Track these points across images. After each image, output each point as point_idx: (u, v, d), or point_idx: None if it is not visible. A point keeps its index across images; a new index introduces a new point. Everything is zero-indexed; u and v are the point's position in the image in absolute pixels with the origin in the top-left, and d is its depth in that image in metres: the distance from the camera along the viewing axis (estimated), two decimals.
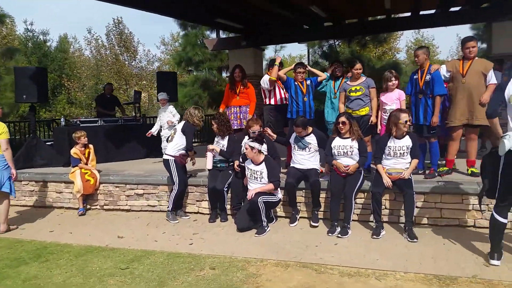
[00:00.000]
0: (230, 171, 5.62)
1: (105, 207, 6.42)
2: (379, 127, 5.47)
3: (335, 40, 14.80)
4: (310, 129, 5.26)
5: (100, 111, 9.25)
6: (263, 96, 6.69)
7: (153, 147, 8.42)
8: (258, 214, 4.87)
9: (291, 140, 5.34)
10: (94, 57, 26.02)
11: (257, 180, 5.01)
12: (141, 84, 25.21)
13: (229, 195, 5.64)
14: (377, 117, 5.54)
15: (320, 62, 14.31)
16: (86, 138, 6.51)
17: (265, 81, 6.44)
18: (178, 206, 5.79)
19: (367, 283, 3.51)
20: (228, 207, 5.63)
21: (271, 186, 4.91)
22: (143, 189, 6.21)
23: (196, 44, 15.07)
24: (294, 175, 5.14)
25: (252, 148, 4.94)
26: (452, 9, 10.57)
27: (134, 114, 9.52)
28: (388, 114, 5.05)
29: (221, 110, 6.89)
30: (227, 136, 5.79)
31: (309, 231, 4.91)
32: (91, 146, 6.68)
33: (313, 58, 15.03)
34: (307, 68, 6.24)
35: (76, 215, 6.24)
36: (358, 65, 5.54)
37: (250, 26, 11.43)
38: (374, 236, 4.57)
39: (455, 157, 5.49)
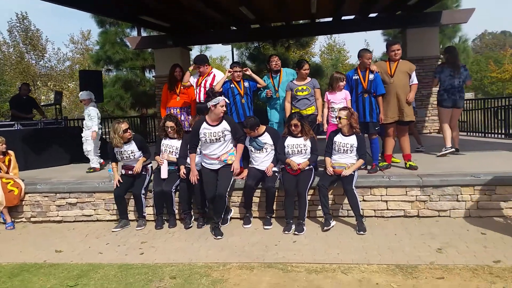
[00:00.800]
0: (178, 174, 5.36)
1: (32, 219, 5.76)
2: (325, 125, 5.61)
3: (259, 42, 14.98)
4: (262, 128, 5.21)
5: (15, 114, 8.28)
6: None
7: (77, 152, 7.74)
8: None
9: (246, 142, 5.24)
10: None
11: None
12: (50, 85, 23.21)
13: (176, 199, 5.38)
14: (322, 116, 5.68)
15: (247, 64, 14.37)
16: (4, 145, 5.77)
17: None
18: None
19: (335, 278, 3.54)
20: (175, 212, 5.35)
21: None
22: (77, 198, 5.67)
23: (116, 42, 14.25)
24: (255, 176, 5.02)
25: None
26: (371, 15, 11.33)
27: (55, 116, 8.69)
28: (336, 113, 5.22)
29: (162, 112, 6.56)
30: (181, 138, 5.50)
31: (264, 231, 4.85)
32: (11, 152, 5.95)
33: (240, 59, 15.06)
34: (246, 72, 6.14)
35: None
36: (306, 66, 5.66)
37: (177, 25, 11.10)
38: (325, 228, 4.68)
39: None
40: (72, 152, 8.01)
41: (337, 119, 4.99)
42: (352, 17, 11.60)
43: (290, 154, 5.00)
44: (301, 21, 13.13)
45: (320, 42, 44.42)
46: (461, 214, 4.86)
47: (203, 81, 6.21)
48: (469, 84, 6.85)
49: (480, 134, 10.13)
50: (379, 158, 5.77)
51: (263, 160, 5.13)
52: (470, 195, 4.84)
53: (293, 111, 5.54)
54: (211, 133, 4.90)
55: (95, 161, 7.07)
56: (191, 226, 5.13)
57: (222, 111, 4.87)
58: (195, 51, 16.08)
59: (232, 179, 5.04)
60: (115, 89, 14.10)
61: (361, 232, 4.51)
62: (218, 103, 4.84)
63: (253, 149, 5.18)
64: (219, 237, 4.67)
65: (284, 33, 12.81)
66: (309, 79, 5.73)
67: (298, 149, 4.96)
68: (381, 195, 5.03)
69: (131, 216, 5.52)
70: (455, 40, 16.45)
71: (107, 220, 5.61)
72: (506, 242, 4.06)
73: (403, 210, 4.98)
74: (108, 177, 5.71)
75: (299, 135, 5.01)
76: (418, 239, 4.29)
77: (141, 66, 14.61)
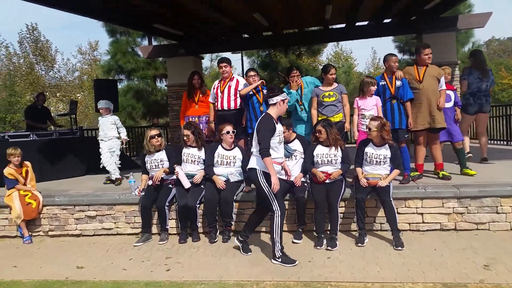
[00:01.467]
0: (202, 186, 5.18)
1: (50, 233, 5.57)
2: (356, 133, 5.41)
3: (271, 50, 14.86)
4: (293, 134, 5.02)
5: (30, 124, 8.15)
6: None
7: (92, 163, 7.58)
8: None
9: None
10: (6, 67, 23.31)
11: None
12: (59, 96, 23.19)
13: (200, 211, 5.18)
14: (351, 122, 5.49)
15: (260, 72, 14.23)
16: (19, 158, 5.60)
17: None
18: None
19: None
20: (199, 225, 5.15)
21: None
22: (96, 210, 5.49)
23: (127, 51, 14.18)
24: (282, 189, 4.69)
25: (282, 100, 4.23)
26: (385, 21, 11.16)
27: (70, 126, 8.55)
28: (367, 119, 5.02)
29: (182, 121, 6.39)
30: (203, 147, 5.32)
31: (294, 246, 4.62)
32: (28, 163, 5.79)
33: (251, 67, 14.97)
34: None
35: (15, 244, 5.35)
36: (333, 70, 5.49)
37: (189, 33, 10.99)
38: (359, 244, 4.46)
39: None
40: (88, 163, 7.86)
41: (367, 130, 4.77)
42: (365, 23, 11.43)
43: (319, 163, 4.80)
44: (313, 28, 13.00)
45: (327, 50, 44.30)
46: (501, 227, 4.62)
47: (226, 87, 5.98)
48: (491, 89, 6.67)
49: (501, 142, 9.87)
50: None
51: (291, 169, 4.90)
52: (510, 206, 4.60)
53: (319, 118, 5.36)
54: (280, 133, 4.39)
55: (117, 172, 6.83)
56: (216, 241, 4.92)
57: (285, 108, 4.39)
58: (205, 61, 16.03)
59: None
60: (126, 99, 14.00)
61: (399, 248, 4.27)
62: (285, 99, 4.31)
63: None
64: (249, 253, 4.45)
65: (296, 40, 12.61)
66: (335, 84, 5.54)
67: (328, 159, 4.76)
68: (416, 207, 4.79)
69: (153, 229, 5.31)
70: (468, 46, 16.26)
71: (128, 234, 5.42)
72: None
73: (440, 223, 4.75)
74: (129, 188, 5.53)
75: (327, 143, 4.80)
76: (460, 254, 4.05)
77: (152, 75, 14.53)
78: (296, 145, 4.98)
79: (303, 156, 4.95)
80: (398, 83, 5.40)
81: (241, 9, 9.00)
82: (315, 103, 5.51)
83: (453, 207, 4.69)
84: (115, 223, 5.46)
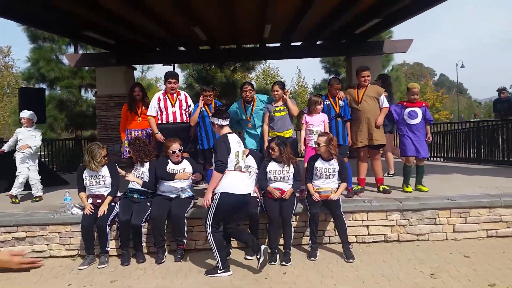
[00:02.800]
0: (148, 203, 4.90)
1: None
2: (302, 147, 5.52)
3: (206, 64, 14.80)
4: (246, 150, 4.97)
5: None
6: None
7: (12, 178, 6.84)
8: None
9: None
10: None
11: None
12: None
13: (144, 229, 4.88)
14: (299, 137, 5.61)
15: (195, 86, 14.08)
16: None
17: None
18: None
19: None
20: (144, 245, 4.84)
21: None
22: (26, 232, 4.94)
23: (51, 59, 13.23)
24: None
25: (213, 123, 4.37)
26: (318, 42, 11.69)
27: None
28: (315, 135, 5.17)
29: (122, 134, 6.07)
30: (148, 163, 5.05)
31: (247, 262, 4.53)
32: None
33: (187, 81, 14.73)
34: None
35: None
36: (276, 87, 5.58)
37: (122, 43, 10.55)
38: (312, 258, 4.51)
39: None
40: (7, 178, 7.05)
41: (316, 145, 4.90)
42: (299, 43, 11.86)
43: (272, 180, 4.81)
44: (249, 45, 13.21)
45: (256, 67, 45.21)
46: (438, 238, 4.95)
47: (177, 101, 5.87)
48: None
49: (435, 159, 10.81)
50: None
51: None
52: (446, 218, 4.96)
53: (270, 134, 5.41)
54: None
55: (39, 189, 6.30)
56: (163, 261, 4.65)
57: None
58: (136, 72, 15.47)
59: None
60: (48, 109, 12.90)
61: (350, 260, 4.38)
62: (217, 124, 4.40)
63: None
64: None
65: (233, 56, 12.75)
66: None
67: (281, 175, 4.80)
68: (362, 220, 4.97)
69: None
70: (388, 69, 17.61)
71: (63, 256, 4.94)
72: (491, 264, 4.16)
73: (384, 235, 4.96)
74: (65, 206, 5.06)
75: (279, 160, 4.84)
76: (407, 265, 4.25)
77: (78, 85, 13.66)
78: (250, 161, 4.95)
79: (256, 171, 4.93)
80: (341, 102, 5.73)
81: (181, 22, 8.87)
82: (267, 119, 5.57)
83: (396, 220, 4.94)
84: (47, 244, 4.95)
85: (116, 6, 7.52)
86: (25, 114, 6.40)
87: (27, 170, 6.23)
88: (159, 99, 5.83)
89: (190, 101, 6.01)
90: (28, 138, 6.22)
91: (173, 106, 5.80)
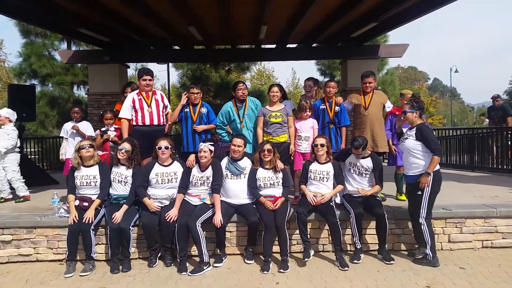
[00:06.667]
0: (136, 207, 4.77)
1: None
2: (292, 152, 5.44)
3: (200, 64, 14.65)
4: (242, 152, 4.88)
5: None
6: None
7: None
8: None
9: (223, 166, 4.85)
10: None
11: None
12: None
13: (134, 234, 4.76)
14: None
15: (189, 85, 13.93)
16: None
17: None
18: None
19: None
20: (132, 250, 4.71)
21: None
22: (12, 234, 4.80)
23: (43, 55, 13.00)
24: (226, 213, 4.62)
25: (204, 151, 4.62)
26: (314, 45, 11.62)
27: None
28: (303, 141, 5.12)
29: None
30: (132, 168, 4.88)
31: (240, 270, 4.44)
32: None
33: (181, 80, 14.57)
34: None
35: None
36: (275, 88, 5.46)
37: (116, 40, 10.39)
38: (306, 259, 4.46)
39: None
40: None
41: (319, 146, 4.80)
42: (295, 45, 11.79)
43: (262, 187, 4.75)
44: (245, 46, 13.10)
45: (251, 68, 45.13)
46: None
47: (153, 101, 5.53)
48: None
49: None
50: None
51: (238, 191, 4.78)
52: (441, 228, 4.90)
53: (264, 138, 5.31)
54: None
55: (23, 189, 6.17)
56: (155, 266, 4.58)
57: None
58: (130, 70, 15.29)
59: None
60: (39, 106, 12.72)
61: (346, 268, 4.33)
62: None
63: (229, 174, 4.80)
64: (184, 272, 4.30)
65: (228, 56, 12.62)
66: (282, 105, 5.54)
67: (271, 182, 4.75)
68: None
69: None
70: (383, 72, 17.59)
71: (50, 261, 4.82)
72: (487, 276, 4.11)
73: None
74: (52, 209, 4.93)
75: (269, 165, 4.77)
76: (402, 276, 4.18)
77: (70, 81, 13.45)
78: (247, 163, 4.88)
79: None
80: (337, 108, 5.61)
81: (176, 21, 8.76)
82: (261, 123, 5.43)
83: (391, 229, 4.87)
84: (34, 248, 4.82)
85: (112, 2, 7.38)
86: (2, 111, 6.26)
87: (2, 171, 6.09)
88: (133, 100, 5.50)
89: (166, 101, 5.70)
90: (1, 137, 6.08)
91: (148, 106, 5.48)
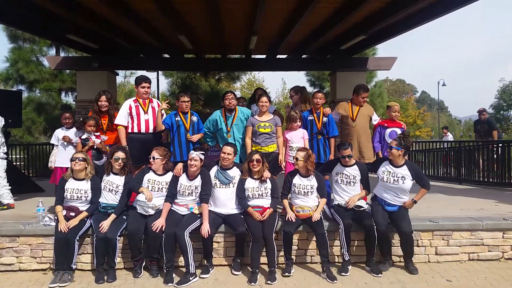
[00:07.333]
0: (124, 217, 4.71)
1: None
2: (283, 163, 5.42)
3: (191, 72, 14.65)
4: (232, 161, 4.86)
5: None
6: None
7: None
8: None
9: (212, 175, 4.82)
10: None
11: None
12: None
13: (119, 244, 4.68)
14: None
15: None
16: None
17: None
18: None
19: None
20: (118, 260, 4.62)
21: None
22: None
23: (31, 60, 12.88)
24: (213, 223, 4.58)
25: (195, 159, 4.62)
26: (303, 56, 11.71)
27: None
28: (295, 151, 5.13)
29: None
30: (126, 175, 4.86)
31: (227, 281, 4.39)
32: None
33: (171, 89, 14.54)
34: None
35: None
36: (264, 98, 5.45)
37: (106, 47, 10.35)
38: (286, 274, 4.46)
39: None
40: None
41: (294, 160, 4.82)
42: (285, 56, 11.86)
43: (251, 197, 4.72)
44: (235, 56, 13.15)
45: (241, 78, 45.25)
46: (420, 260, 4.90)
47: (150, 108, 5.56)
48: None
49: None
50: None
51: (226, 200, 4.75)
52: (429, 240, 4.92)
53: (253, 148, 5.29)
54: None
55: (8, 196, 6.05)
56: (140, 276, 4.50)
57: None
58: (118, 78, 15.26)
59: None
60: (26, 112, 12.62)
61: (335, 281, 4.30)
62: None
63: (218, 183, 4.76)
64: (170, 284, 4.23)
65: (218, 65, 12.68)
66: (271, 115, 5.53)
67: (259, 192, 4.73)
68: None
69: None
70: (371, 85, 17.78)
71: (33, 270, 4.70)
72: None
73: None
74: (37, 217, 4.83)
75: (257, 175, 4.75)
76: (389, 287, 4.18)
77: (58, 88, 13.33)
78: (236, 172, 4.86)
79: None
80: (325, 119, 5.64)
81: (167, 29, 8.77)
82: (249, 132, 5.40)
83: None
84: (17, 257, 4.70)
85: (103, 9, 7.35)
86: None
87: None
88: (130, 107, 5.48)
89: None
90: None
91: (145, 113, 5.48)
